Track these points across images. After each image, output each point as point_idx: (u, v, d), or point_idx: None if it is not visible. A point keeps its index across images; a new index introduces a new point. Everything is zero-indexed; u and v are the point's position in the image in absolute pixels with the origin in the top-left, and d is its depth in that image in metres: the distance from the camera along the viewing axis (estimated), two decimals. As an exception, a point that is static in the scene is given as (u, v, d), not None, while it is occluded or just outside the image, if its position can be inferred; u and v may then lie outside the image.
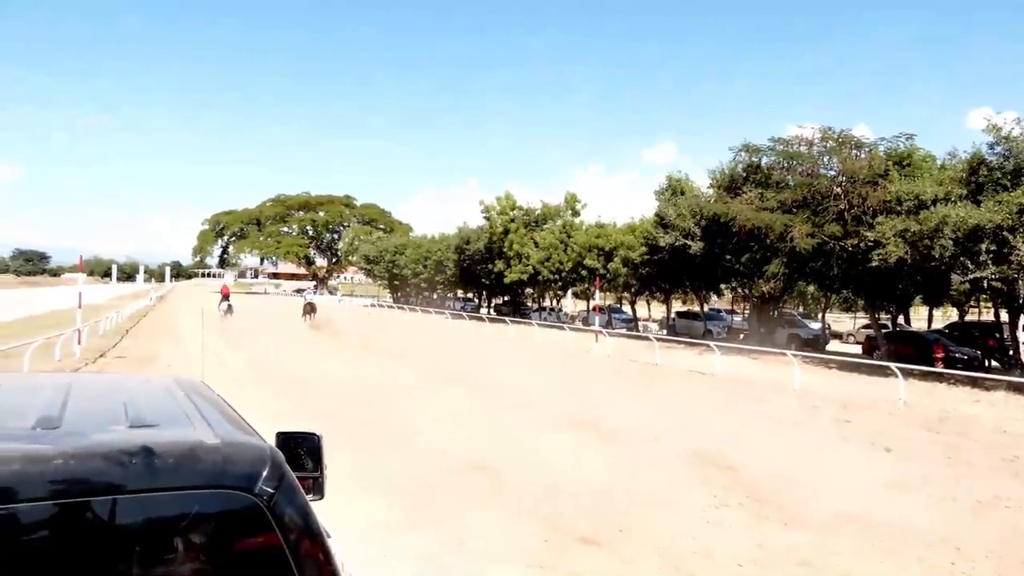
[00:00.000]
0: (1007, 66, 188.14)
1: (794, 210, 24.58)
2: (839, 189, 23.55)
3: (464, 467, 8.37)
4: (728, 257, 28.30)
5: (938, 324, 35.88)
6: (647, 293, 42.20)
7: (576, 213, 46.50)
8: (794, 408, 14.25)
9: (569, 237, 43.12)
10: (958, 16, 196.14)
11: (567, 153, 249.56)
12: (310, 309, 35.09)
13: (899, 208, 21.45)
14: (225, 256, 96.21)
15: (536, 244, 44.92)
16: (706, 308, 39.44)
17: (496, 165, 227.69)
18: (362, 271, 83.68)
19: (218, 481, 1.51)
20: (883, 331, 27.53)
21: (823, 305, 41.58)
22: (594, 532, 6.29)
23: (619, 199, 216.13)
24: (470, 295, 63.25)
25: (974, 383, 17.68)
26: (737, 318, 42.31)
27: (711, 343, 22.44)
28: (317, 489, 2.43)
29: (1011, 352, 23.72)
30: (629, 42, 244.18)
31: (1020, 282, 19.27)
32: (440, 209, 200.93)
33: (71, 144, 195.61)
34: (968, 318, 35.54)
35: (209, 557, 1.52)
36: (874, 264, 21.16)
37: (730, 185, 28.52)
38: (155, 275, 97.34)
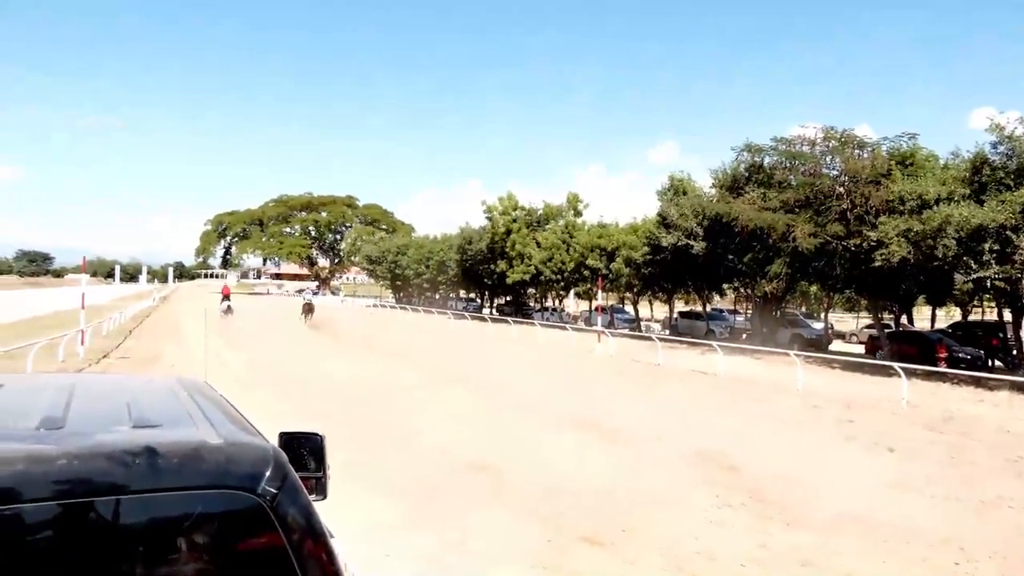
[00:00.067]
0: (1009, 66, 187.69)
1: (797, 210, 24.54)
2: (842, 189, 23.50)
3: (466, 467, 8.37)
4: (731, 257, 28.26)
5: (941, 324, 35.78)
6: (649, 293, 42.15)
7: (578, 213, 46.47)
8: (797, 408, 14.23)
9: (571, 237, 43.09)
10: (959, 16, 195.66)
11: (569, 153, 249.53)
12: (308, 309, 35.42)
13: (902, 208, 21.41)
14: (228, 257, 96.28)
15: (538, 244, 44.89)
16: (709, 308, 39.38)
17: (498, 165, 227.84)
18: (364, 271, 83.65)
19: (221, 481, 1.52)
20: (886, 331, 27.48)
21: (826, 305, 41.48)
22: (596, 532, 6.28)
23: (621, 199, 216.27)
24: (472, 295, 63.22)
25: (977, 383, 17.64)
26: (740, 318, 42.18)
27: (714, 343, 22.41)
28: (320, 489, 2.43)
29: (1015, 352, 23.66)
30: (630, 42, 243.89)
31: (1023, 281, 19.23)
32: (442, 209, 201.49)
33: (73, 144, 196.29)
34: (971, 318, 35.43)
35: (212, 557, 1.52)
36: (877, 264, 21.12)
37: (732, 185, 28.49)
38: (158, 276, 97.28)
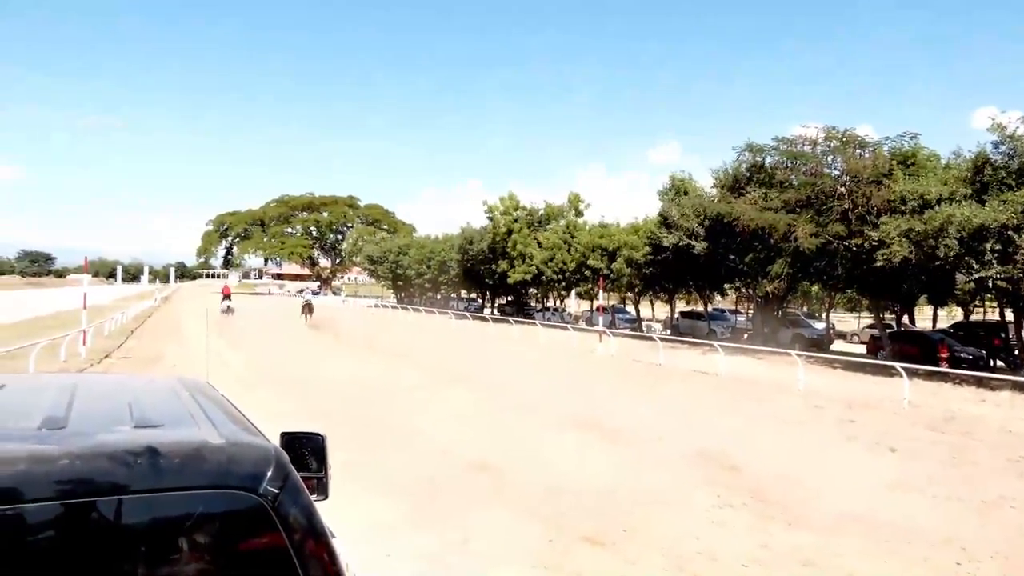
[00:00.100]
0: (1011, 65, 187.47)
1: (798, 210, 24.52)
2: (843, 189, 23.48)
3: (467, 467, 8.37)
4: (732, 257, 28.24)
5: (943, 324, 35.74)
6: (651, 293, 42.16)
7: (579, 213, 46.46)
8: (798, 408, 14.22)
9: (572, 237, 43.07)
10: (960, 16, 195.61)
11: (570, 153, 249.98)
12: (308, 309, 35.80)
13: (903, 208, 21.39)
14: (229, 257, 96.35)
15: (539, 244, 44.88)
16: (710, 308, 39.36)
17: (499, 165, 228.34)
18: (366, 272, 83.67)
19: (223, 481, 1.52)
20: (887, 331, 27.45)
21: (827, 305, 41.42)
22: (598, 532, 6.28)
23: (622, 199, 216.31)
24: (474, 295, 63.22)
25: (979, 383, 17.62)
26: (741, 318, 42.15)
27: (715, 343, 22.39)
28: (321, 489, 2.43)
29: (1016, 352, 23.63)
30: (631, 42, 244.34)
31: (1025, 281, 19.21)
32: (443, 209, 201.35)
33: (75, 144, 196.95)
34: (973, 318, 35.38)
35: (214, 557, 1.52)
36: (878, 264, 21.10)
37: (734, 185, 28.47)
38: (160, 276, 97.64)
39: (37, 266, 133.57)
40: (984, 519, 7.22)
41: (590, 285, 41.86)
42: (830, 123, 25.00)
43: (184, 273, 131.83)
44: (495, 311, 52.90)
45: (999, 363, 24.25)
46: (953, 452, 10.46)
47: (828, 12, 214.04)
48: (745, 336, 31.67)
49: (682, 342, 28.87)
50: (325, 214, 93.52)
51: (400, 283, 68.10)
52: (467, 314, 47.81)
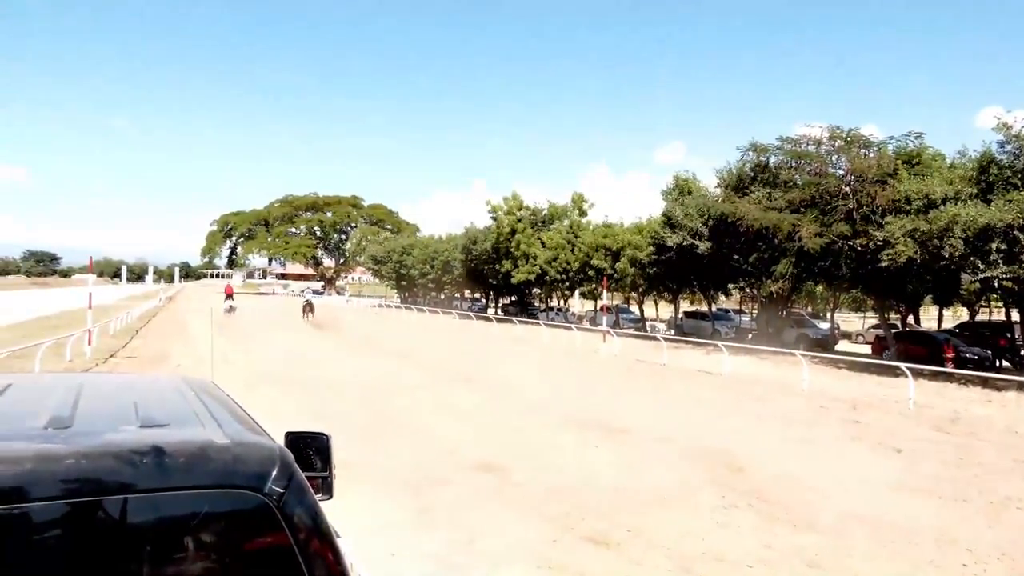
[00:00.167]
0: (1016, 65, 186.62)
1: (802, 209, 24.47)
2: (848, 188, 23.43)
3: (472, 467, 8.37)
4: (736, 257, 28.20)
5: (948, 324, 35.63)
6: (655, 293, 42.13)
7: (583, 213, 46.45)
8: (803, 408, 14.19)
9: (576, 237, 43.07)
10: (964, 16, 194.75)
11: (574, 153, 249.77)
12: (309, 308, 36.44)
13: (908, 207, 21.33)
14: (233, 257, 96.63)
15: (543, 244, 44.88)
16: (714, 308, 39.31)
17: (502, 166, 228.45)
18: (370, 271, 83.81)
19: (228, 481, 1.52)
20: (893, 331, 27.36)
21: (832, 305, 41.39)
22: (602, 532, 6.27)
23: (626, 199, 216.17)
24: (477, 295, 63.25)
25: (985, 383, 17.56)
26: (745, 318, 42.14)
27: (719, 343, 22.35)
28: (326, 489, 2.43)
29: (1022, 352, 23.54)
30: (635, 42, 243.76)
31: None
32: (447, 209, 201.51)
33: (80, 145, 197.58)
34: (979, 318, 35.28)
35: (219, 556, 1.52)
36: (883, 264, 21.04)
37: (738, 185, 28.43)
38: (164, 276, 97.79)
39: (42, 266, 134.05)
40: (991, 520, 7.19)
41: (594, 285, 41.87)
42: (834, 123, 24.99)
43: (188, 273, 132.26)
44: (499, 311, 52.92)
45: (1005, 363, 24.17)
46: (959, 453, 10.42)
47: (833, 12, 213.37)
48: (749, 336, 31.64)
49: (686, 342, 28.84)
50: (329, 214, 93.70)
51: (404, 283, 68.20)
52: (471, 314, 47.83)
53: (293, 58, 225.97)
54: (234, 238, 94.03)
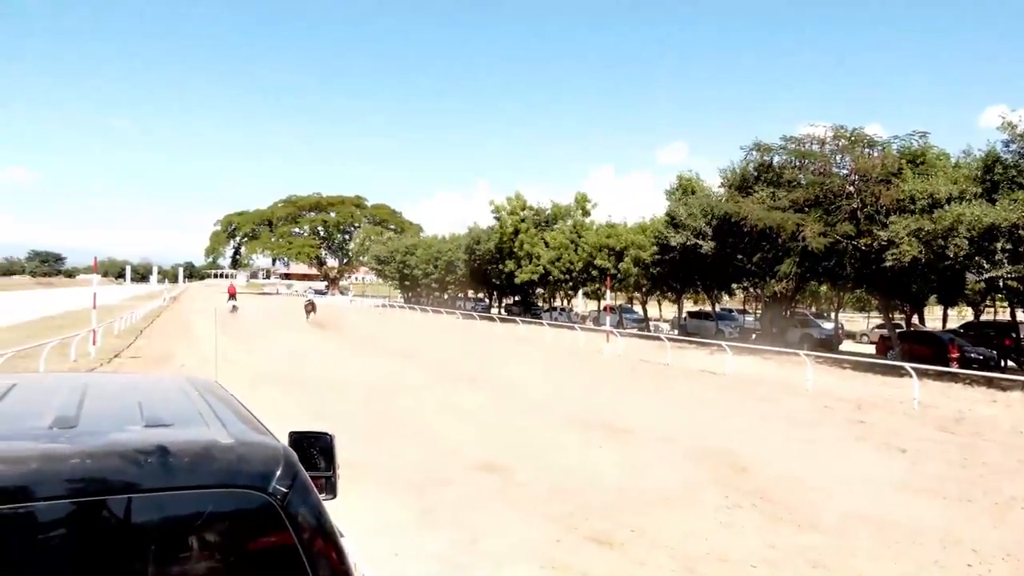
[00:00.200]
0: (1019, 64, 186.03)
1: (806, 209, 24.42)
2: (852, 188, 23.37)
3: (476, 467, 8.37)
4: (740, 257, 28.15)
5: (953, 324, 35.51)
6: (658, 293, 42.08)
7: (586, 213, 46.45)
8: (807, 408, 14.16)
9: (580, 237, 43.06)
10: (968, 15, 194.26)
11: (577, 153, 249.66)
12: (311, 308, 36.75)
13: (913, 207, 21.26)
14: (237, 257, 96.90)
15: (547, 244, 44.89)
16: (718, 308, 39.27)
17: (504, 166, 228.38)
18: (373, 272, 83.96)
19: (232, 480, 1.52)
20: (897, 331, 27.28)
21: (836, 305, 41.28)
22: (606, 532, 6.27)
23: (630, 199, 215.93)
24: (481, 295, 63.30)
25: (990, 383, 17.50)
26: (749, 318, 42.08)
27: (723, 343, 22.32)
28: (330, 488, 2.44)
29: (1028, 352, 23.46)
30: (638, 42, 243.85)
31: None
32: (448, 209, 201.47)
33: (84, 145, 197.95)
34: (984, 318, 35.14)
35: (223, 556, 1.53)
36: (888, 263, 20.98)
37: (741, 184, 28.38)
38: (168, 276, 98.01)
39: (47, 266, 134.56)
40: (996, 520, 7.17)
41: (597, 285, 41.87)
42: (837, 122, 24.92)
43: (193, 273, 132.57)
44: (502, 311, 52.94)
45: (1010, 363, 24.08)
46: (964, 453, 10.38)
47: (837, 12, 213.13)
48: (753, 336, 31.56)
49: (690, 342, 28.80)
50: (332, 214, 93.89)
51: (407, 283, 68.28)
52: (474, 314, 47.86)
53: (293, 58, 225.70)
54: (238, 238, 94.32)
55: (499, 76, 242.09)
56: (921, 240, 20.12)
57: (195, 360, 17.05)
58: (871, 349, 31.33)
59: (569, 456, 9.12)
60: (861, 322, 48.39)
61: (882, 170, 22.65)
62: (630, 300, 48.94)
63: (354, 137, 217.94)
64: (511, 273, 45.99)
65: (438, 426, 10.84)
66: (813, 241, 23.01)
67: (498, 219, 48.30)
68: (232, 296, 39.29)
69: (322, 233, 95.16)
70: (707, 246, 28.59)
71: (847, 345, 35.68)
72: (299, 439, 2.47)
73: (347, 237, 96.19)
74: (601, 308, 45.04)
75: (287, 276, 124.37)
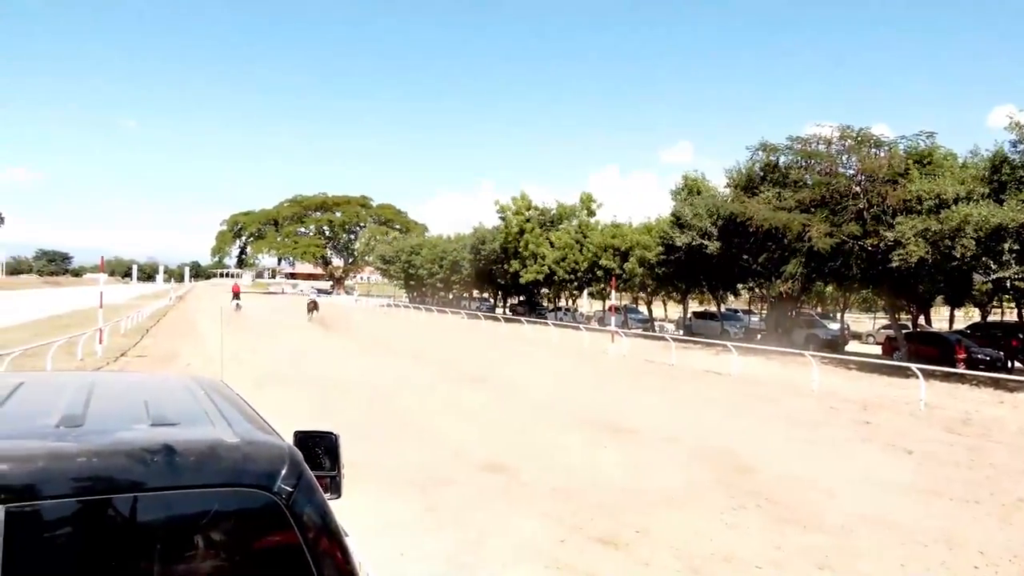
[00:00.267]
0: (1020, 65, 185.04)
1: (812, 209, 24.33)
2: (858, 188, 23.28)
3: (481, 467, 8.38)
4: (745, 257, 28.07)
5: (960, 325, 35.35)
6: (663, 293, 42.01)
7: (592, 213, 46.39)
8: (812, 409, 14.11)
9: (585, 237, 43.02)
10: (972, 15, 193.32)
11: (582, 153, 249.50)
12: (313, 307, 37.29)
13: (919, 207, 21.17)
14: (243, 256, 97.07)
15: (552, 244, 44.86)
16: (723, 308, 39.15)
17: (508, 166, 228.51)
18: (378, 271, 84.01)
19: (237, 479, 1.53)
20: (903, 331, 27.18)
21: (842, 305, 41.14)
22: (611, 533, 6.26)
23: (635, 199, 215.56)
24: (486, 295, 63.30)
25: (997, 384, 17.43)
26: (754, 318, 41.94)
27: (728, 343, 22.27)
28: (334, 488, 2.44)
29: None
30: (642, 42, 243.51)
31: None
32: (452, 210, 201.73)
33: (91, 145, 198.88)
34: (991, 318, 34.97)
35: (228, 554, 1.53)
36: (894, 264, 20.90)
37: (747, 184, 28.31)
38: (174, 275, 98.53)
39: (54, 265, 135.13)
40: (1002, 522, 7.13)
41: (602, 285, 41.82)
42: (842, 122, 24.84)
43: (199, 272, 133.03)
44: (507, 311, 52.94)
45: (1017, 364, 23.96)
46: (970, 454, 10.34)
47: (842, 12, 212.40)
48: (758, 336, 31.48)
49: (695, 342, 28.75)
50: (338, 214, 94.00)
51: (412, 283, 68.31)
52: (479, 314, 47.88)
53: (294, 58, 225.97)
54: (244, 238, 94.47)
55: (500, 76, 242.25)
56: (928, 240, 20.03)
57: (200, 359, 17.11)
58: (877, 350, 31.21)
59: (574, 456, 9.11)
60: (867, 323, 48.20)
61: (889, 170, 22.56)
62: (635, 300, 48.86)
63: (355, 137, 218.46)
64: (516, 273, 45.98)
65: (442, 426, 10.85)
66: (819, 241, 22.93)
67: (503, 219, 48.29)
68: (236, 295, 40.14)
69: (327, 233, 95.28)
70: (712, 246, 28.53)
71: (853, 346, 35.55)
72: (304, 438, 2.47)
73: (352, 237, 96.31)
74: (606, 308, 45.00)
75: (292, 276, 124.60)
